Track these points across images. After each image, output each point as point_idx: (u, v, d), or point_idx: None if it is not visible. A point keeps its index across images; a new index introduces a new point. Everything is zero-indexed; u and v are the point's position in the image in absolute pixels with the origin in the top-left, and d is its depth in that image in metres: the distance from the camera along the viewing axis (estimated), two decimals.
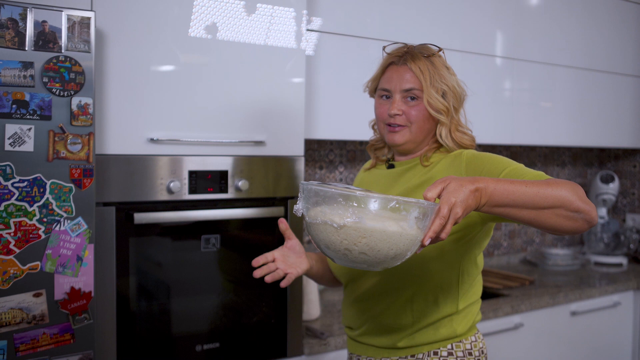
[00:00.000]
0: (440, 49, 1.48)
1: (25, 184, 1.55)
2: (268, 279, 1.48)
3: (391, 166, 1.56)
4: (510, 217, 1.20)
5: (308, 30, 2.26)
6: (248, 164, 1.98)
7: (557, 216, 1.18)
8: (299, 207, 1.16)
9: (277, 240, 2.05)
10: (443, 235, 1.08)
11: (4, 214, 1.53)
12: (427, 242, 1.08)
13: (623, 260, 3.39)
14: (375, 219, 1.06)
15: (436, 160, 1.47)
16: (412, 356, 1.48)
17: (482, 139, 2.85)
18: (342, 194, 1.07)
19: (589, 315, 2.85)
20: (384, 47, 1.52)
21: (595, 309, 2.87)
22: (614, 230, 3.51)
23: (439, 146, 1.51)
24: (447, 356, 1.46)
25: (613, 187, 3.55)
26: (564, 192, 1.17)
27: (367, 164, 1.66)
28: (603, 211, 3.58)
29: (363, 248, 1.07)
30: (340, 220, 1.06)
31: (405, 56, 1.46)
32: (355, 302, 1.56)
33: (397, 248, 1.08)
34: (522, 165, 1.34)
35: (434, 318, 1.46)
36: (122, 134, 1.80)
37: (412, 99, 1.44)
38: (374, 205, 1.06)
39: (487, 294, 2.71)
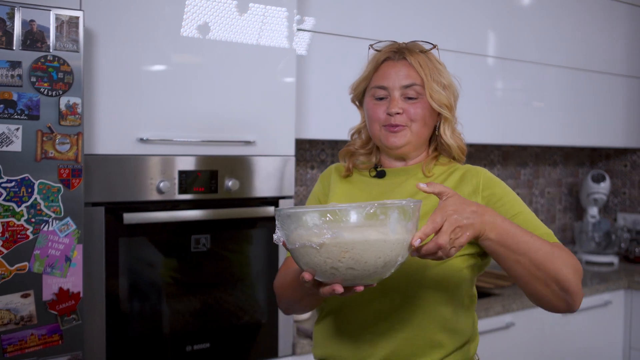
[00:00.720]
0: (434, 46, 1.39)
1: (13, 184, 1.54)
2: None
3: (381, 174, 1.41)
4: (505, 262, 1.15)
5: (299, 30, 2.25)
6: (238, 164, 1.98)
7: (545, 284, 1.15)
8: (278, 236, 1.08)
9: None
10: (442, 253, 1.03)
11: None
12: (416, 242, 1.02)
13: (614, 260, 3.41)
14: (354, 230, 1.00)
15: (439, 172, 1.38)
16: None
17: (475, 138, 2.86)
18: (315, 211, 1.01)
19: (580, 314, 2.86)
20: (371, 45, 1.42)
21: (587, 308, 2.88)
22: (605, 230, 3.52)
23: (437, 155, 1.42)
24: None
25: (604, 186, 3.56)
26: (566, 261, 1.15)
27: (341, 170, 1.47)
28: (594, 210, 3.59)
29: (349, 263, 1.01)
30: (318, 239, 1.00)
31: (402, 51, 1.36)
32: (353, 332, 1.35)
33: (385, 255, 1.02)
34: (534, 216, 1.29)
35: (459, 343, 1.34)
36: (111, 134, 1.79)
37: (411, 98, 1.33)
38: (351, 216, 1.01)
39: (479, 294, 2.71)
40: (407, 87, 1.33)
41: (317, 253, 1.01)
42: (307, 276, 1.06)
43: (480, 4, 2.83)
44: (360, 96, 1.43)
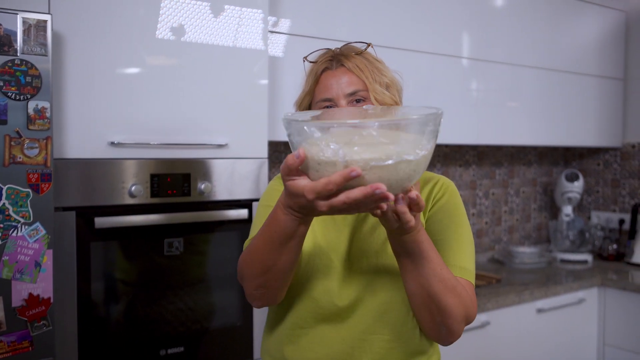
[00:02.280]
0: (369, 44, 1.34)
1: None
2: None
3: None
4: (404, 273, 1.15)
5: (272, 32, 2.26)
6: (211, 167, 1.97)
7: (430, 312, 1.16)
8: (341, 154, 0.91)
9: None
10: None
11: None
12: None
13: (588, 257, 3.45)
14: (431, 133, 0.97)
15: None
16: None
17: (450, 139, 2.89)
18: (418, 119, 0.95)
19: (554, 312, 2.89)
20: (305, 58, 1.36)
21: (561, 305, 2.92)
22: (579, 228, 3.56)
23: None
24: None
25: (578, 185, 3.61)
26: (461, 302, 1.15)
27: None
28: (569, 209, 3.63)
29: (420, 172, 0.97)
30: (420, 149, 0.93)
31: (338, 58, 1.31)
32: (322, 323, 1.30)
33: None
34: (469, 247, 1.27)
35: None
36: (82, 138, 1.78)
37: (358, 100, 1.28)
38: (435, 119, 0.96)
39: None
40: (351, 94, 1.28)
41: (407, 166, 0.92)
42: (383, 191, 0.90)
43: (454, 7, 2.85)
44: (306, 110, 1.36)
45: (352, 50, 1.33)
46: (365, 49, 1.33)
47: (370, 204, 0.93)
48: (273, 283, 1.20)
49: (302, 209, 1.00)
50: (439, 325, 1.18)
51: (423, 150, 0.93)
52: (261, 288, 1.21)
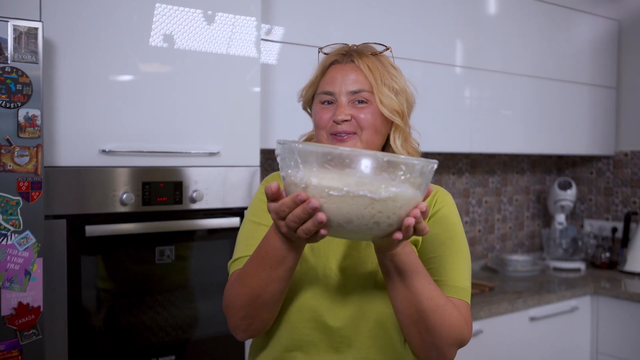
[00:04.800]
0: (387, 47, 1.28)
1: None
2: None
3: None
4: (392, 290, 1.12)
5: (265, 40, 2.26)
6: (203, 175, 1.97)
7: (419, 332, 1.12)
8: (301, 176, 0.92)
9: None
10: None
11: None
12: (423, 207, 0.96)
13: (581, 265, 3.46)
14: (412, 185, 0.92)
15: None
16: None
17: (443, 147, 2.89)
18: (389, 161, 0.90)
19: (547, 320, 2.89)
20: (320, 49, 1.31)
21: (554, 314, 2.92)
22: (572, 236, 3.57)
23: None
24: None
25: (571, 193, 3.62)
26: (453, 324, 1.12)
27: None
28: (561, 217, 3.64)
29: (392, 220, 0.92)
30: (385, 191, 0.89)
31: (351, 53, 1.26)
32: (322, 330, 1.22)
33: (407, 212, 0.94)
34: (465, 265, 1.23)
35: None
36: (72, 146, 1.77)
37: (361, 102, 1.23)
38: (417, 171, 0.91)
39: None
40: (354, 92, 1.22)
41: (370, 205, 0.90)
42: (322, 216, 0.91)
43: (447, 15, 2.86)
44: (309, 102, 1.32)
45: (368, 50, 1.27)
46: (383, 52, 1.28)
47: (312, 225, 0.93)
48: (260, 313, 1.15)
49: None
50: (429, 347, 1.14)
51: (388, 193, 0.90)
52: (247, 319, 1.16)
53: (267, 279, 1.09)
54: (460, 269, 1.21)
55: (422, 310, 1.10)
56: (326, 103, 1.25)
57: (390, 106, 1.22)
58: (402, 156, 0.93)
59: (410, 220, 0.93)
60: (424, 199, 0.98)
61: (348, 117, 1.21)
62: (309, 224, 0.93)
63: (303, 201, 0.91)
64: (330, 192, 0.89)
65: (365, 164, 0.90)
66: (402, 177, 0.91)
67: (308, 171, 0.91)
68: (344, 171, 0.90)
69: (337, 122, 1.22)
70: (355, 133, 1.23)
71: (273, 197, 0.96)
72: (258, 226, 1.26)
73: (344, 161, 0.90)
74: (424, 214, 0.95)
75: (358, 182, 0.89)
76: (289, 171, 0.94)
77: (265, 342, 1.27)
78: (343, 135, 1.22)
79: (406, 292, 1.10)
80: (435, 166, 0.95)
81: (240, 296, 1.14)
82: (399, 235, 0.94)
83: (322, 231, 0.94)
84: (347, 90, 1.23)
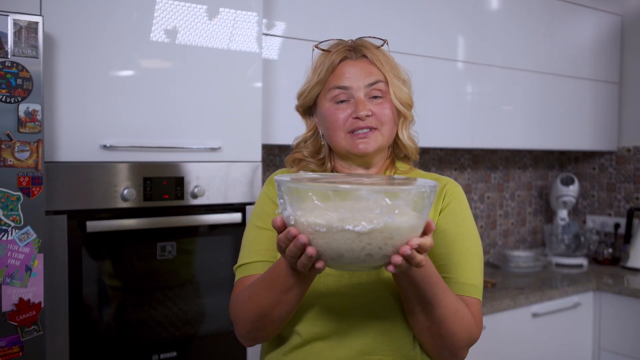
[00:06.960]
0: (385, 41, 1.28)
1: None
2: None
3: None
4: (405, 300, 1.13)
5: (266, 34, 2.24)
6: (204, 170, 1.96)
7: (432, 337, 1.13)
8: (287, 213, 0.93)
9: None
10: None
11: None
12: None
13: (583, 262, 3.44)
14: (402, 213, 0.88)
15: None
16: None
17: (445, 142, 2.88)
18: (371, 191, 0.88)
19: (549, 316, 2.88)
20: (315, 46, 1.28)
21: (556, 310, 2.91)
22: (575, 232, 3.56)
23: (392, 158, 1.32)
24: None
25: (573, 189, 3.60)
26: (464, 327, 1.13)
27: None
28: (564, 213, 3.63)
29: (387, 250, 0.90)
30: (368, 223, 0.87)
31: (359, 48, 1.25)
32: None
33: (405, 240, 0.91)
34: (477, 258, 1.21)
35: None
36: (73, 141, 1.76)
37: (376, 97, 1.22)
38: (404, 198, 0.89)
39: None
40: (371, 85, 1.21)
41: (357, 238, 0.88)
42: (311, 251, 0.92)
43: (449, 10, 2.84)
44: (310, 103, 1.29)
45: (371, 44, 1.27)
46: (382, 45, 1.28)
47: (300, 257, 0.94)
48: (267, 329, 1.17)
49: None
50: (441, 349, 1.16)
51: (372, 225, 0.87)
52: (255, 331, 1.18)
53: (277, 301, 1.10)
54: (472, 265, 1.20)
55: (435, 318, 1.11)
56: (340, 102, 1.23)
57: (403, 99, 1.23)
58: (396, 186, 0.93)
59: (397, 259, 0.90)
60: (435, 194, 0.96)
61: (370, 112, 1.21)
62: (302, 259, 0.94)
63: (294, 237, 0.92)
64: (316, 228, 0.90)
65: (351, 197, 0.89)
66: (398, 204, 0.89)
67: (295, 207, 0.92)
68: (330, 204, 0.89)
69: (360, 118, 1.20)
70: (376, 128, 1.22)
71: (278, 230, 0.97)
72: (261, 231, 1.26)
73: (329, 196, 0.89)
74: (421, 247, 0.92)
75: (341, 218, 0.88)
76: (280, 207, 0.96)
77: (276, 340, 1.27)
78: (365, 130, 1.21)
79: (420, 304, 1.10)
80: (430, 190, 0.92)
81: (249, 313, 1.16)
82: (391, 268, 0.93)
83: (318, 265, 0.94)
84: (364, 84, 1.22)
